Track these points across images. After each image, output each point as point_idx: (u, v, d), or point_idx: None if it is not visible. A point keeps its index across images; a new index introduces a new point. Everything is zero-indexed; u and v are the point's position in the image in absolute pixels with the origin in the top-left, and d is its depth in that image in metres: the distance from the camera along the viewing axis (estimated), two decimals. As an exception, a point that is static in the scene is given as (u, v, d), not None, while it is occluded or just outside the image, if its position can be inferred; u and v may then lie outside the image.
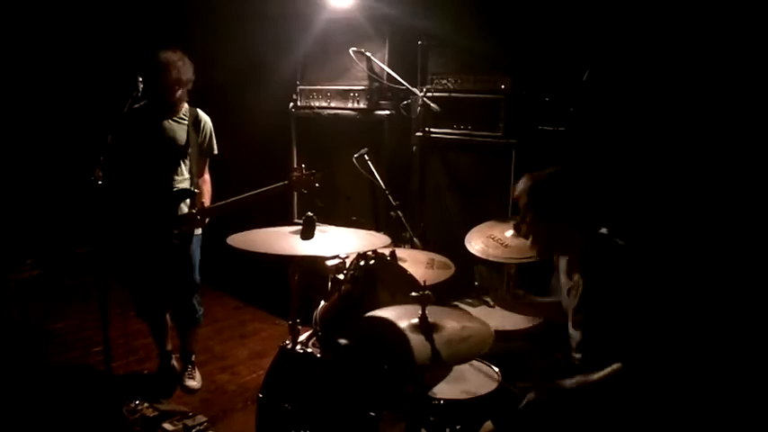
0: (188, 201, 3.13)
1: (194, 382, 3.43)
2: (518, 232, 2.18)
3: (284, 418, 2.27)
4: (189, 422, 2.79)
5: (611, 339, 1.87)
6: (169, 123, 3.13)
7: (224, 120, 4.46)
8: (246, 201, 3.00)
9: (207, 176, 3.34)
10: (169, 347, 3.52)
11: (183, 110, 3.18)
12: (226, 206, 3.05)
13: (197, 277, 3.32)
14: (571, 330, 2.08)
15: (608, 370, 1.85)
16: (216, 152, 3.32)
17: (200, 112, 3.24)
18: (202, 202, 3.13)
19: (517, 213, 2.82)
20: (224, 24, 4.48)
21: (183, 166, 3.17)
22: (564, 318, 2.09)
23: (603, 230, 2.02)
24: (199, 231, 3.25)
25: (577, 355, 2.06)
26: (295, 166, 3.06)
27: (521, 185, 2.11)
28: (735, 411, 2.43)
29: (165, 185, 3.12)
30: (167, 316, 3.45)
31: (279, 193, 2.99)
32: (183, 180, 3.17)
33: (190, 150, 3.15)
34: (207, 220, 3.14)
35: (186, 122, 3.16)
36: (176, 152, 3.14)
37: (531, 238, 2.14)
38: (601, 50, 2.82)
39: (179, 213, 3.12)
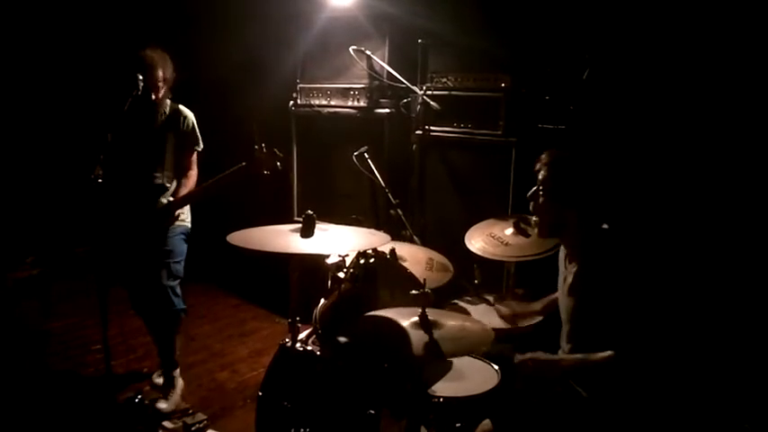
0: (166, 196, 3.14)
1: (164, 405, 3.10)
2: (531, 200, 2.12)
3: (284, 416, 2.27)
4: (189, 420, 2.80)
5: (601, 330, 1.89)
6: (150, 120, 3.13)
7: (224, 118, 4.47)
8: (208, 189, 3.00)
9: (193, 171, 3.28)
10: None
11: (165, 106, 3.18)
12: (187, 197, 3.10)
13: (177, 267, 3.21)
14: (563, 320, 2.10)
15: (602, 355, 1.86)
16: (200, 147, 3.28)
17: (181, 107, 3.22)
18: (170, 199, 3.13)
19: (516, 212, 2.85)
20: (224, 23, 4.48)
21: (164, 161, 3.15)
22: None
23: (605, 226, 2.03)
24: (185, 223, 3.23)
25: (567, 346, 2.08)
26: (256, 146, 2.95)
27: (544, 158, 2.06)
28: (731, 408, 2.43)
29: (147, 182, 3.13)
30: None
31: (242, 175, 2.89)
32: (163, 176, 3.15)
33: (168, 145, 3.15)
34: (176, 212, 3.13)
35: (166, 118, 3.16)
36: (157, 147, 3.13)
37: (538, 213, 2.11)
38: (601, 49, 2.82)
39: (154, 209, 3.12)
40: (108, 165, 2.55)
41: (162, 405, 3.09)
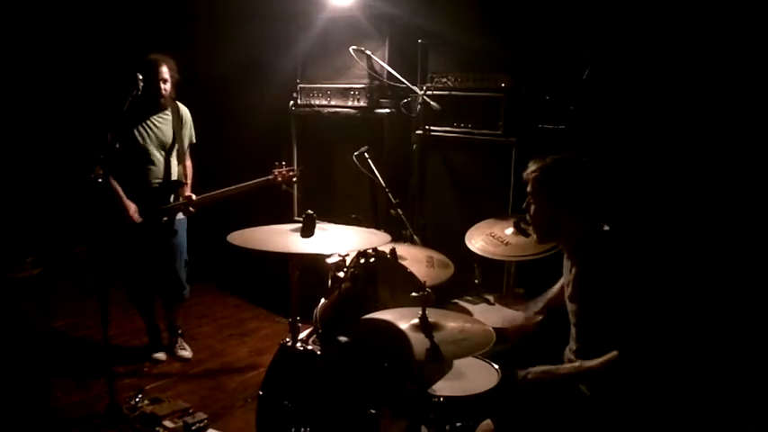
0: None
1: (186, 352, 3.69)
2: (526, 210, 2.14)
3: (284, 416, 2.27)
4: (189, 419, 2.79)
5: (604, 332, 1.89)
6: (156, 119, 3.35)
7: (224, 118, 4.47)
8: (231, 192, 3.29)
9: (188, 162, 3.56)
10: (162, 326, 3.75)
11: (172, 105, 3.40)
12: (212, 197, 3.34)
13: (186, 256, 3.58)
14: (570, 321, 2.11)
15: (603, 358, 1.87)
16: (194, 140, 3.57)
17: (180, 105, 3.47)
18: (188, 196, 3.40)
19: (516, 212, 2.85)
20: (225, 23, 4.48)
21: (172, 157, 3.42)
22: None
23: (606, 228, 2.03)
24: (181, 216, 3.48)
25: (575, 346, 2.08)
26: (276, 162, 3.35)
27: (529, 168, 2.08)
28: (733, 409, 2.44)
29: (157, 176, 3.37)
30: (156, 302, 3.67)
31: (261, 186, 3.29)
32: (171, 170, 3.42)
33: (176, 143, 3.42)
34: (194, 209, 3.40)
35: (170, 117, 3.40)
36: (165, 145, 3.39)
37: (533, 222, 2.12)
38: (601, 48, 2.82)
39: (170, 202, 3.42)
40: (110, 164, 2.62)
41: (184, 352, 3.68)
